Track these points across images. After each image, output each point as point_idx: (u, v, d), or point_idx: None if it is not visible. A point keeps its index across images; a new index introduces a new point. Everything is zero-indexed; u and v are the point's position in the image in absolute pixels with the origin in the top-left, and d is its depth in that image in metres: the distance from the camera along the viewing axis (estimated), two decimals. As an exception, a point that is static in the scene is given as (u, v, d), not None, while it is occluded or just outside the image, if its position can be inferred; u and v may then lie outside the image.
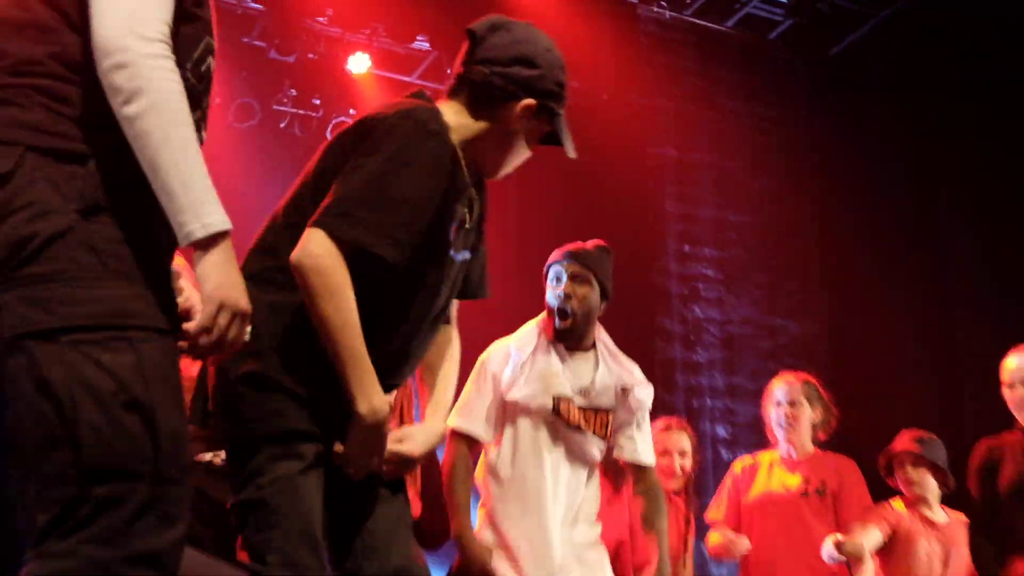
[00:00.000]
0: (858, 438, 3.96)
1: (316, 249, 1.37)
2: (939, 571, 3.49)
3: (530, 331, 2.60)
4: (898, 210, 5.65)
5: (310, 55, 4.73)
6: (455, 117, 1.51)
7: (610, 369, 2.62)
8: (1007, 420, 3.34)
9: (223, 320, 1.14)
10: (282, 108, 4.86)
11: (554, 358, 2.54)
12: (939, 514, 3.54)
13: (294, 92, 4.78)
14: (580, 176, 4.81)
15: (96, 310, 1.11)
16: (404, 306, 1.55)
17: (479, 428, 2.47)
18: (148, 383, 1.12)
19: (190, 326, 1.16)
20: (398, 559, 1.60)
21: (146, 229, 1.16)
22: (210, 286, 1.14)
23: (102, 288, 1.12)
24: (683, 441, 3.33)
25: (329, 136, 3.91)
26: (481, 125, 1.53)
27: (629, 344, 2.69)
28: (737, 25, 5.35)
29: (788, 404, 3.48)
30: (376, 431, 1.41)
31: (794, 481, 3.51)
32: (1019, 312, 4.97)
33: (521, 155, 1.59)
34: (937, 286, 5.58)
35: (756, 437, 5.07)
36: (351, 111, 4.81)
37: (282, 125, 4.88)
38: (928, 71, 5.39)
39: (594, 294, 2.49)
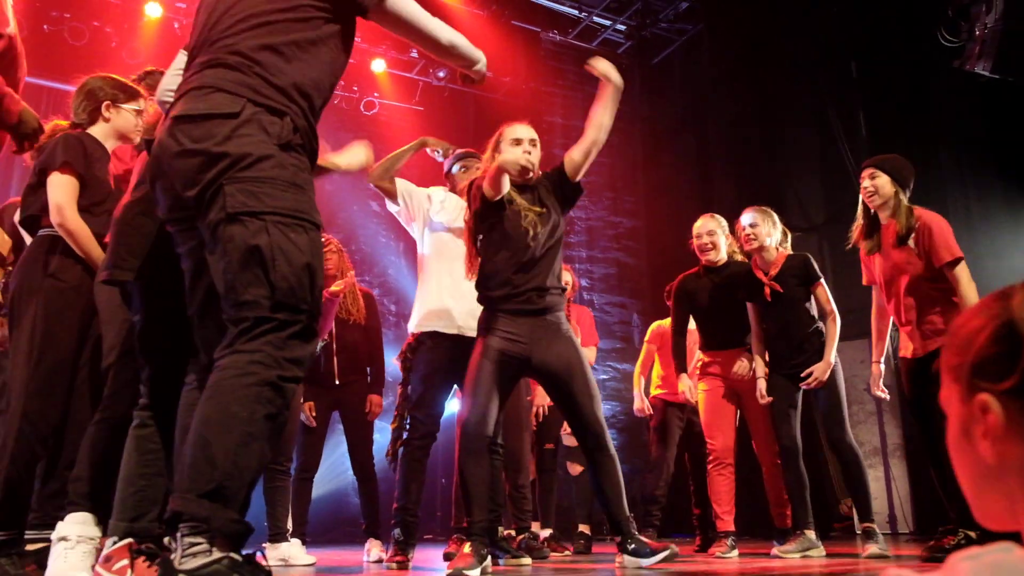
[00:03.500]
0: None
1: None
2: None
3: (442, 188, 3.65)
4: (683, 143, 8.39)
5: (351, 60, 7.92)
6: None
7: None
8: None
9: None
10: (336, 92, 7.99)
11: (458, 199, 3.55)
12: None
13: (342, 82, 7.96)
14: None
15: (287, 206, 1.58)
16: None
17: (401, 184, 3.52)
18: (313, 256, 1.61)
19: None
20: None
21: (308, 164, 1.68)
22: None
23: (290, 193, 1.59)
24: (567, 275, 4.45)
25: (363, 109, 7.22)
26: None
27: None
28: (599, 44, 8.56)
29: None
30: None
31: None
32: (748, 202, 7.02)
33: None
34: (707, 186, 7.93)
35: (602, 285, 8.63)
36: (375, 94, 8.01)
37: (335, 102, 7.82)
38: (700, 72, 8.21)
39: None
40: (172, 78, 1.92)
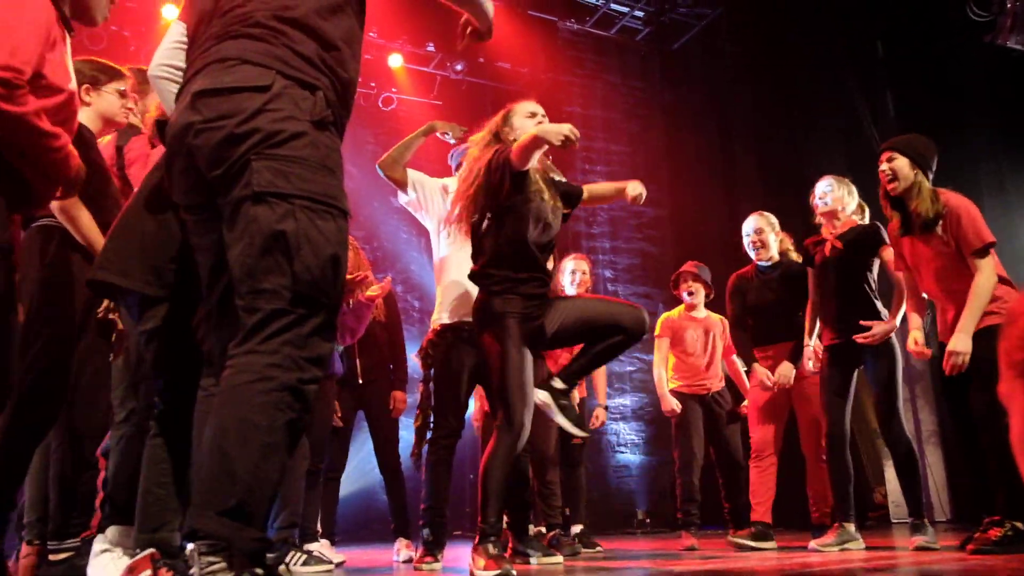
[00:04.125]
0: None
1: None
2: (700, 346, 4.54)
3: (456, 179, 3.37)
4: (706, 129, 8.20)
5: (367, 56, 7.88)
6: None
7: None
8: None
9: None
10: (350, 87, 8.00)
11: None
12: (702, 312, 4.61)
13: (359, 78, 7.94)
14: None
15: (317, 189, 1.49)
16: None
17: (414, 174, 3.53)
18: (340, 246, 1.52)
19: None
20: None
21: (339, 144, 1.59)
22: None
23: (321, 175, 1.51)
24: (584, 264, 4.60)
25: (381, 105, 7.15)
26: None
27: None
28: (617, 32, 8.47)
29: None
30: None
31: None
32: (772, 189, 6.85)
33: None
34: (731, 173, 7.91)
35: (627, 276, 8.64)
36: (393, 89, 7.98)
37: (351, 97, 7.98)
38: (721, 58, 8.14)
39: None
40: (167, 52, 1.81)
